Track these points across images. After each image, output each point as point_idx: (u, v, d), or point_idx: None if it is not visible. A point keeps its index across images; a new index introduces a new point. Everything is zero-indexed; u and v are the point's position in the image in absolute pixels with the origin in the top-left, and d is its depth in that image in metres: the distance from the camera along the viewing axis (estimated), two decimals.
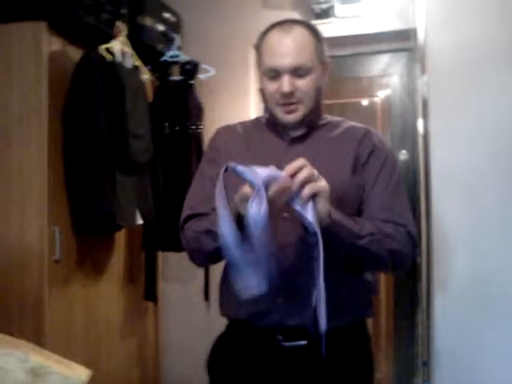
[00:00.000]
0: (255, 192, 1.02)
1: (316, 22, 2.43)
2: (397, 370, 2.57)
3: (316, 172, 1.08)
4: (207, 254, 1.29)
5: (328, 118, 1.42)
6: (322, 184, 1.08)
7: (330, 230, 1.11)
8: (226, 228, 1.05)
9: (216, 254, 1.25)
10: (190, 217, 1.34)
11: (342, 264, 1.24)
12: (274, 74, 1.28)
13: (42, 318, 1.86)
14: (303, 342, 1.26)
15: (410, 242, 1.27)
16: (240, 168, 1.05)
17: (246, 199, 1.05)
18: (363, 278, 1.35)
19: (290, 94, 1.28)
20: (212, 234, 1.22)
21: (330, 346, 1.26)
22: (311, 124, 1.37)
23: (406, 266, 1.32)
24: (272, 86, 1.29)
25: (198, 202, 1.35)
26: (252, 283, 1.10)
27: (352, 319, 1.32)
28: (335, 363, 1.27)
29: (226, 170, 1.07)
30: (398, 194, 1.33)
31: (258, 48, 1.35)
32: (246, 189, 1.06)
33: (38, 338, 1.78)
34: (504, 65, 2.07)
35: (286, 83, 1.26)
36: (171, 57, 2.40)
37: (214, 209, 1.25)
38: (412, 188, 2.33)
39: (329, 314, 1.25)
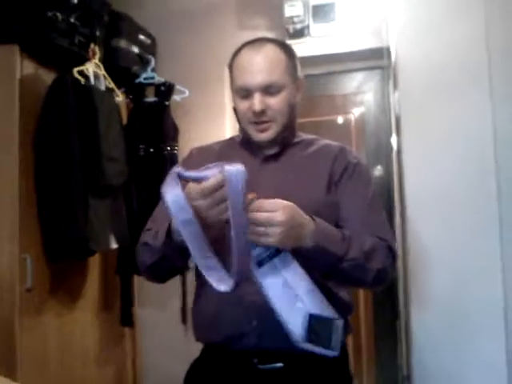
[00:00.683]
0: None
1: (291, 42, 2.45)
2: None
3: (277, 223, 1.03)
4: (148, 267, 1.26)
5: (302, 136, 1.42)
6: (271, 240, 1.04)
7: (311, 252, 1.10)
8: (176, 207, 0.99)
9: (158, 267, 1.24)
10: (146, 230, 1.32)
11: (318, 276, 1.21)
12: (246, 92, 1.28)
13: (13, 349, 1.79)
14: (279, 365, 1.23)
15: (391, 257, 1.27)
16: (187, 173, 1.02)
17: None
18: (340, 298, 1.33)
19: (262, 113, 1.27)
20: (149, 247, 1.22)
21: (307, 370, 1.25)
22: (285, 142, 1.36)
23: (387, 282, 1.31)
24: (244, 105, 1.29)
25: (154, 220, 1.33)
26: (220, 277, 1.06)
27: None
28: None
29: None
30: (375, 209, 1.33)
31: (230, 67, 1.35)
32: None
33: (9, 371, 1.71)
34: (472, 83, 2.11)
35: (257, 102, 1.26)
36: (146, 78, 2.40)
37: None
38: (387, 203, 2.35)
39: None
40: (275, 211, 1.03)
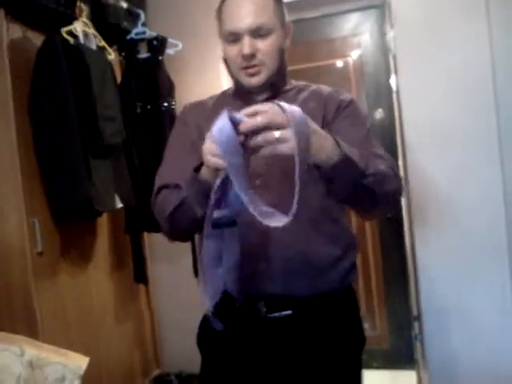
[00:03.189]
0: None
1: None
2: (391, 327, 2.62)
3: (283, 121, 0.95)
4: (169, 214, 1.23)
5: (293, 82, 1.41)
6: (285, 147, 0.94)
7: (337, 167, 1.05)
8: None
9: (176, 216, 1.22)
10: (161, 188, 1.31)
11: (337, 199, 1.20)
12: (235, 37, 1.26)
13: (33, 311, 1.84)
14: (288, 312, 1.25)
15: (399, 180, 1.26)
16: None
17: None
18: (349, 236, 1.35)
19: (252, 56, 1.26)
20: (177, 187, 1.21)
21: (317, 314, 1.27)
22: (276, 88, 1.35)
23: (397, 206, 1.30)
24: (233, 50, 1.27)
25: (170, 173, 1.32)
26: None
27: (337, 285, 1.31)
28: (323, 333, 1.28)
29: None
30: (373, 139, 1.32)
31: (218, 13, 1.33)
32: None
33: (31, 332, 1.76)
34: (468, 13, 2.05)
35: (246, 45, 1.24)
36: (137, 34, 2.35)
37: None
38: (390, 146, 2.32)
39: (315, 279, 1.26)
40: (274, 112, 0.94)
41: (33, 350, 1.49)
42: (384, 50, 2.45)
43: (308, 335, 1.26)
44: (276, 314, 1.25)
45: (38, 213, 1.89)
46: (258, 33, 1.25)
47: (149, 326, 2.63)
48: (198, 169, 1.12)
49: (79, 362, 1.54)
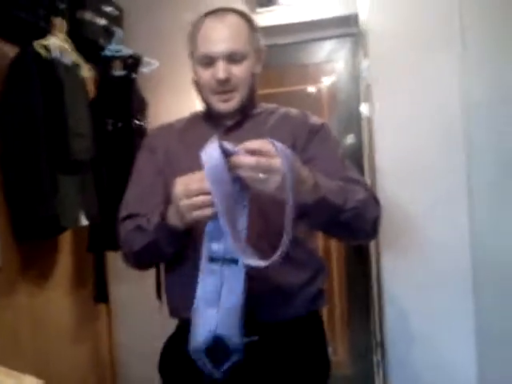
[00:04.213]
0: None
1: (260, 10, 2.44)
2: (352, 352, 2.62)
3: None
4: (135, 252, 1.26)
5: (263, 105, 1.43)
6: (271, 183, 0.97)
7: (312, 207, 1.07)
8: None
9: (144, 253, 1.24)
10: (126, 217, 1.31)
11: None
12: (209, 60, 1.28)
13: None
14: (255, 338, 1.24)
15: (378, 205, 1.29)
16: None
17: None
18: (317, 262, 1.36)
19: (226, 81, 1.27)
20: (142, 230, 1.21)
21: (283, 340, 1.27)
22: (246, 112, 1.36)
23: (378, 230, 1.32)
24: (207, 74, 1.29)
25: (135, 202, 1.32)
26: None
27: (305, 307, 1.32)
28: (289, 359, 1.28)
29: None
30: (347, 163, 1.35)
31: (191, 36, 1.34)
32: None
33: None
34: (441, 49, 2.10)
35: (220, 69, 1.26)
36: (112, 51, 2.34)
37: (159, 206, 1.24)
38: (358, 170, 2.34)
39: (281, 305, 1.26)
40: (274, 157, 0.96)
41: None
42: (357, 77, 2.49)
43: (274, 361, 1.26)
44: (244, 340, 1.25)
45: None
46: (232, 58, 1.27)
47: (106, 347, 2.57)
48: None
49: None
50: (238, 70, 1.28)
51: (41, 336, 2.06)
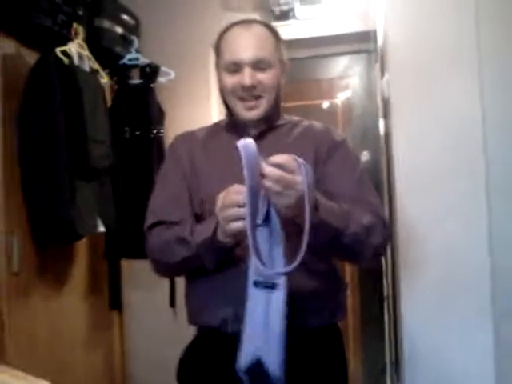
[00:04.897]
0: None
1: (276, 24, 2.43)
2: (366, 371, 2.60)
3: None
4: (173, 264, 1.26)
5: (287, 118, 1.44)
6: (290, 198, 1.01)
7: (314, 227, 1.06)
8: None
9: (182, 265, 1.24)
10: (156, 224, 1.30)
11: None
12: (235, 67, 1.29)
13: (2, 332, 1.76)
14: None
15: (385, 231, 1.28)
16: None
17: None
18: (336, 274, 1.36)
19: (252, 88, 1.28)
20: (185, 242, 1.20)
21: (301, 349, 1.26)
22: (270, 122, 1.37)
23: (382, 255, 1.34)
24: (233, 80, 1.30)
25: (164, 209, 1.32)
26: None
27: (325, 319, 1.32)
28: (309, 366, 1.27)
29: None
30: (364, 183, 1.35)
31: (218, 45, 1.36)
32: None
33: None
34: (461, 66, 2.11)
35: (247, 76, 1.27)
36: (130, 60, 2.35)
37: (187, 213, 1.26)
38: (375, 187, 2.34)
39: (300, 313, 1.25)
40: (297, 174, 1.00)
41: None
42: (372, 93, 2.50)
43: (293, 370, 1.25)
44: None
45: (18, 232, 1.83)
46: (258, 65, 1.28)
47: (119, 355, 2.55)
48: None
49: None
50: (264, 78, 1.29)
51: (55, 340, 2.05)
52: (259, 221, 1.03)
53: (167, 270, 1.33)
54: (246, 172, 0.95)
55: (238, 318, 1.21)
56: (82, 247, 2.23)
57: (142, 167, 2.24)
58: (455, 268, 2.08)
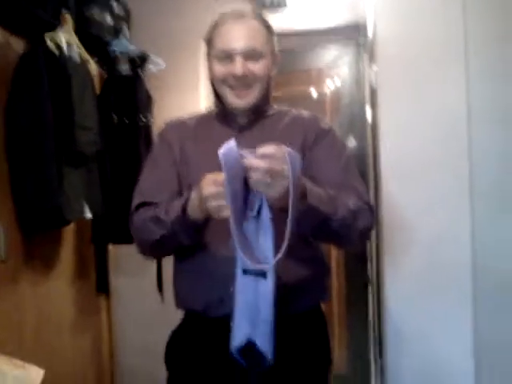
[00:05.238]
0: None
1: (267, 14, 2.45)
2: (350, 350, 2.63)
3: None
4: (152, 243, 1.28)
5: (276, 107, 1.45)
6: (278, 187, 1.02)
7: (302, 213, 1.09)
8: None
9: (161, 243, 1.25)
10: (141, 205, 1.33)
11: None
12: (227, 57, 1.30)
13: None
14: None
15: (371, 215, 1.31)
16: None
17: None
18: (321, 259, 1.38)
19: (243, 77, 1.30)
20: (160, 221, 1.23)
21: (287, 333, 1.27)
22: (260, 111, 1.39)
23: (367, 239, 1.36)
24: (224, 69, 1.31)
25: (151, 191, 1.34)
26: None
27: (309, 303, 1.35)
28: (292, 351, 1.29)
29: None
30: (350, 169, 1.37)
31: (210, 34, 1.37)
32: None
33: None
34: (446, 57, 2.14)
35: (239, 65, 1.29)
36: (119, 48, 2.35)
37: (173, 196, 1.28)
38: (361, 174, 2.36)
39: (286, 299, 1.28)
40: (285, 163, 1.01)
41: None
42: (360, 82, 2.52)
43: (279, 355, 1.27)
44: None
45: (3, 219, 1.84)
46: (250, 55, 1.30)
47: (107, 339, 2.58)
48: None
49: (34, 375, 1.50)
50: (256, 68, 1.31)
51: (43, 326, 2.06)
52: (251, 213, 1.06)
53: (149, 249, 1.34)
54: (226, 178, 0.98)
55: (223, 303, 1.24)
56: (69, 232, 2.24)
57: (129, 154, 2.26)
58: (438, 257, 2.12)
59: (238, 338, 1.14)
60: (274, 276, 1.09)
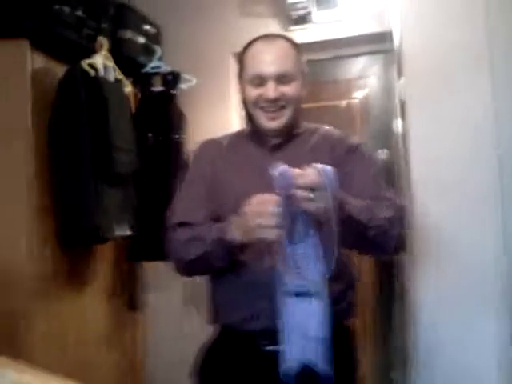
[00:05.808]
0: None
1: (294, 28, 2.49)
2: (376, 367, 2.60)
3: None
4: (190, 261, 1.31)
5: (305, 125, 1.49)
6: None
7: (341, 223, 1.12)
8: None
9: (198, 263, 1.30)
10: (177, 225, 1.37)
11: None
12: (259, 80, 1.34)
13: (29, 334, 1.84)
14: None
15: (404, 221, 1.33)
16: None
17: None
18: (349, 275, 1.40)
19: (275, 100, 1.34)
20: (198, 240, 1.27)
21: None
22: (291, 132, 1.43)
23: (403, 247, 1.37)
24: (256, 93, 1.36)
25: (187, 211, 1.38)
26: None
27: (335, 321, 1.35)
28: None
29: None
30: (379, 181, 1.41)
31: (241, 58, 1.42)
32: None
33: (29, 356, 1.75)
34: (475, 66, 2.13)
35: (271, 89, 1.33)
36: (153, 68, 2.43)
37: (208, 216, 1.33)
38: (391, 185, 2.35)
39: None
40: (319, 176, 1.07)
41: (15, 373, 1.48)
42: (390, 93, 2.52)
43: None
44: (272, 348, 1.27)
45: (47, 237, 1.92)
46: (281, 79, 1.34)
47: (139, 355, 2.61)
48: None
49: None
50: (287, 90, 1.35)
51: (80, 341, 2.12)
52: (299, 239, 1.10)
53: (186, 268, 1.38)
54: (281, 199, 1.05)
55: (262, 317, 1.28)
56: (104, 249, 2.29)
57: (163, 172, 2.32)
58: (469, 268, 2.10)
59: (291, 362, 1.15)
60: (326, 294, 1.13)
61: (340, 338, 1.36)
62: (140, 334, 2.62)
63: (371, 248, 1.31)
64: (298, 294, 1.12)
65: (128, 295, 2.50)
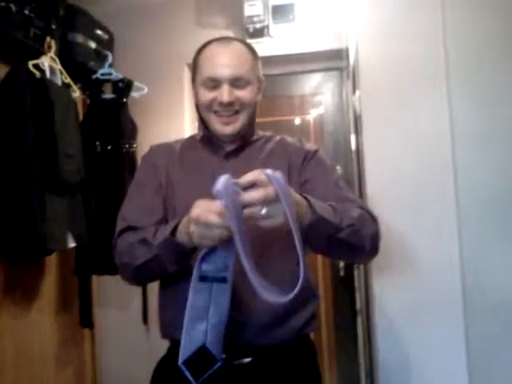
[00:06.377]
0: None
1: (250, 41, 2.47)
2: (340, 380, 2.59)
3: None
4: (136, 267, 1.22)
5: (259, 133, 1.46)
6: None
7: (311, 227, 1.08)
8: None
9: (145, 267, 1.21)
10: (125, 229, 1.29)
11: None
12: (213, 84, 1.30)
13: None
14: (247, 360, 1.24)
15: (375, 221, 1.29)
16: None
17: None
18: (308, 286, 1.35)
19: (230, 104, 1.30)
20: (146, 244, 1.19)
21: (276, 363, 1.26)
22: (245, 138, 1.39)
23: (378, 250, 1.32)
24: (210, 96, 1.31)
25: (136, 215, 1.31)
26: None
27: (297, 334, 1.31)
28: (282, 381, 1.27)
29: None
30: (342, 185, 1.38)
31: (196, 60, 1.37)
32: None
33: None
34: (431, 83, 2.16)
35: (225, 93, 1.28)
36: (103, 74, 2.34)
37: (159, 221, 1.26)
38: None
39: (274, 328, 1.25)
40: (269, 186, 0.95)
41: None
42: (344, 109, 2.54)
43: (267, 382, 1.25)
44: (236, 362, 1.23)
45: None
46: (236, 83, 1.30)
47: (90, 373, 2.49)
48: (173, 230, 1.13)
49: None
50: (242, 94, 1.31)
51: (23, 360, 2.00)
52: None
53: (132, 274, 1.28)
54: (230, 212, 0.94)
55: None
56: (51, 263, 2.19)
57: (113, 182, 2.22)
58: (428, 285, 2.11)
59: (189, 349, 1.11)
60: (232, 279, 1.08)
61: (302, 348, 1.35)
62: (91, 351, 2.52)
63: (345, 251, 1.24)
64: (202, 279, 1.08)
65: (78, 310, 2.37)
